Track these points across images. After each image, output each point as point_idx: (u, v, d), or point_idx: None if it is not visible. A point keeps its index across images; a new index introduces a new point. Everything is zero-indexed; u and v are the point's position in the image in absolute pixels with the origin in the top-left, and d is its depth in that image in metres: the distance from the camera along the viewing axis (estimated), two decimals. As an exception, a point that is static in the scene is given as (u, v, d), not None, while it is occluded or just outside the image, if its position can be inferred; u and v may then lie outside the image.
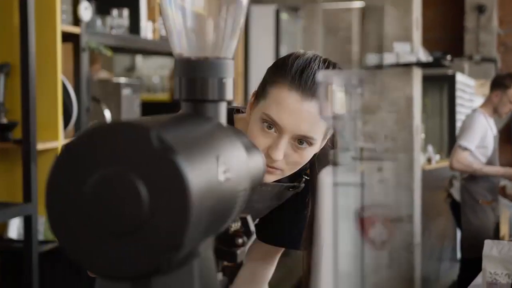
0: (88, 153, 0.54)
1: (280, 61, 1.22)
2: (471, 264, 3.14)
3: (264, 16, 4.99)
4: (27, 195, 2.40)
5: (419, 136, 4.29)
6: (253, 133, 1.18)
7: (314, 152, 1.22)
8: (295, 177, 1.33)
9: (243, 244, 0.75)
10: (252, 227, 0.78)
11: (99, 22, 3.00)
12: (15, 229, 2.79)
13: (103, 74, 4.73)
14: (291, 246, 1.40)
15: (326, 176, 0.61)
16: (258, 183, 0.73)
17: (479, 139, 4.13)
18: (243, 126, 1.28)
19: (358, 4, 5.70)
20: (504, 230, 4.47)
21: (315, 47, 5.37)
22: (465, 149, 4.07)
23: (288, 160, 1.18)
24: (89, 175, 0.54)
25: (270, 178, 1.20)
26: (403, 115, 4.56)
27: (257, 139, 1.17)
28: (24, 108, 2.37)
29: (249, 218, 0.77)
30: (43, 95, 2.51)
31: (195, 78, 0.68)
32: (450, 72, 6.00)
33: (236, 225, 0.76)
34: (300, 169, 1.31)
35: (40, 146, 2.44)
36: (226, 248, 0.75)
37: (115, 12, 3.15)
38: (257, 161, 0.72)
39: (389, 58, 4.09)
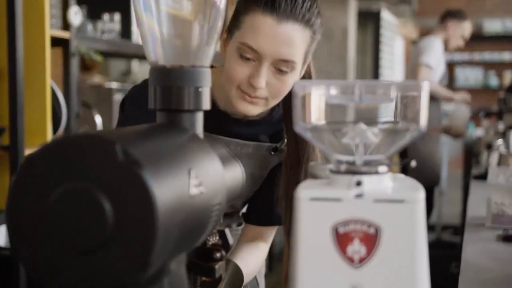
0: (51, 166, 0.52)
1: None
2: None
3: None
4: (15, 202, 2.36)
5: (352, 69, 4.23)
6: (231, 67, 1.16)
7: (296, 79, 1.19)
8: (276, 138, 1.31)
9: (221, 258, 0.73)
10: (231, 241, 0.76)
11: (90, 26, 2.98)
12: (2, 236, 2.75)
13: (96, 79, 4.69)
14: (277, 223, 1.37)
15: (303, 191, 0.58)
16: (236, 196, 0.70)
17: (436, 60, 4.14)
18: (216, 77, 1.25)
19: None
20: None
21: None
22: (427, 65, 4.07)
23: (271, 88, 1.16)
24: (52, 189, 0.51)
25: (253, 110, 1.18)
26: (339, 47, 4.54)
27: (235, 71, 1.15)
28: (12, 113, 2.34)
29: (227, 231, 0.74)
30: (31, 101, 2.48)
31: (171, 86, 0.65)
32: (375, 8, 5.92)
33: (213, 239, 0.74)
34: (279, 129, 1.29)
35: (28, 152, 2.41)
36: (203, 263, 0.72)
37: (106, 16, 3.13)
38: (234, 173, 0.70)
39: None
